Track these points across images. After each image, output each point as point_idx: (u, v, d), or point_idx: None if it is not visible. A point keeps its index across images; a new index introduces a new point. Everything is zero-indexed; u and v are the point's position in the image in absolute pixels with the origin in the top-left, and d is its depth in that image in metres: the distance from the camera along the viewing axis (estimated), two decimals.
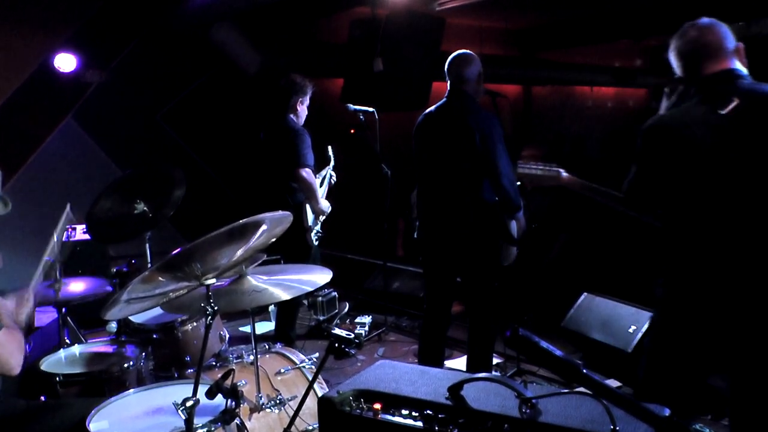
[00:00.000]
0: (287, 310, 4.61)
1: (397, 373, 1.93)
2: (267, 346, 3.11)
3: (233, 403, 2.05)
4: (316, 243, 4.57)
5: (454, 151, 3.65)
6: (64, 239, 5.13)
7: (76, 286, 3.19)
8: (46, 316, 3.86)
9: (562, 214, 5.73)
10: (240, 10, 6.08)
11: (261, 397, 2.66)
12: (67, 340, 3.15)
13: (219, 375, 2.05)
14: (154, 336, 3.24)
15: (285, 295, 2.35)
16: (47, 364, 2.90)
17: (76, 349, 3.07)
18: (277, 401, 2.69)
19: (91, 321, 4.18)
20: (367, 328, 5.37)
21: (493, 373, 4.08)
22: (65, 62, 5.84)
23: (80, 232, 5.32)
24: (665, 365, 2.32)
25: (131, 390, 2.41)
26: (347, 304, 5.87)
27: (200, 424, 2.02)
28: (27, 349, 2.17)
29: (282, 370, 2.91)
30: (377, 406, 1.76)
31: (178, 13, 6.03)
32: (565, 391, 1.71)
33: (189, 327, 3.28)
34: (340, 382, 2.20)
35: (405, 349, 5.13)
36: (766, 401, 2.18)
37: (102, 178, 5.43)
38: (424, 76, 6.30)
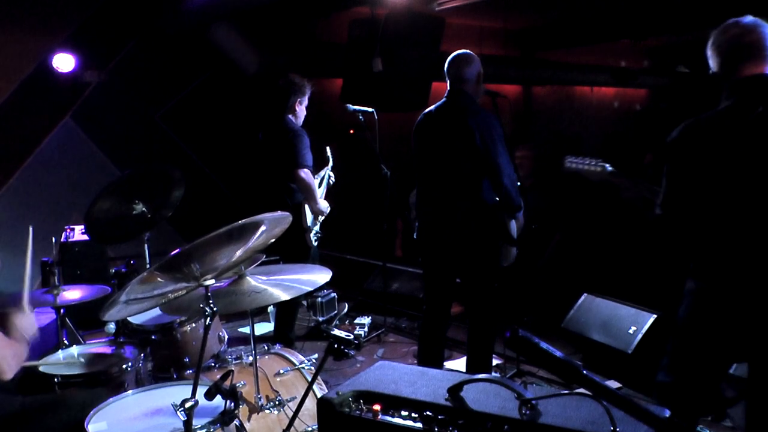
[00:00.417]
0: (286, 311, 4.61)
1: (397, 374, 1.93)
2: (266, 347, 3.10)
3: (232, 404, 2.04)
4: (315, 244, 4.56)
5: (454, 151, 3.64)
6: (62, 240, 5.13)
7: (74, 294, 3.17)
8: (44, 317, 3.86)
9: (558, 213, 5.73)
10: (239, 10, 6.07)
11: (260, 398, 2.65)
12: (66, 341, 3.14)
13: (218, 376, 2.05)
14: (153, 337, 3.24)
15: (284, 296, 2.35)
16: (46, 365, 2.89)
17: (75, 350, 3.06)
18: (276, 402, 2.68)
19: (90, 322, 4.17)
20: (366, 329, 5.37)
21: (493, 374, 4.07)
22: (64, 62, 5.83)
23: (79, 233, 5.33)
24: (693, 357, 2.34)
25: (130, 391, 2.41)
26: (346, 305, 5.86)
27: (199, 425, 2.02)
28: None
29: (281, 371, 2.90)
30: (377, 407, 1.75)
31: (177, 13, 6.03)
32: (565, 392, 1.71)
33: (188, 328, 3.27)
34: (339, 383, 2.20)
35: (404, 350, 5.13)
36: None
37: (100, 178, 5.43)
38: (423, 76, 6.29)
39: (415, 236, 3.94)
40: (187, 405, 1.91)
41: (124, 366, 2.87)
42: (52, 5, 5.93)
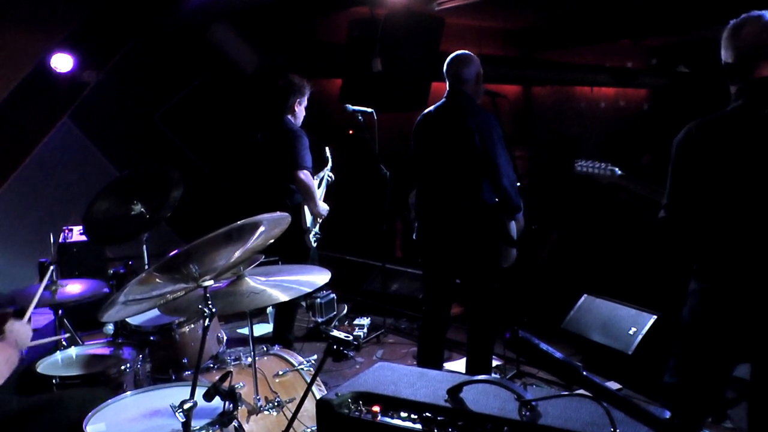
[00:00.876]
0: (285, 312, 4.60)
1: (396, 375, 1.92)
2: (265, 348, 3.09)
3: (231, 405, 2.04)
4: (314, 244, 4.56)
5: (454, 152, 3.64)
6: (61, 240, 5.12)
7: (73, 288, 3.17)
8: (42, 318, 3.85)
9: (555, 213, 5.74)
10: (238, 10, 6.07)
11: (259, 400, 2.64)
12: (64, 342, 3.13)
13: (217, 377, 2.04)
14: (152, 338, 3.23)
15: (283, 297, 2.34)
16: (44, 366, 2.89)
17: (73, 351, 3.05)
18: (275, 403, 2.67)
19: (88, 323, 4.16)
20: (365, 330, 5.36)
21: (493, 375, 4.07)
22: (62, 62, 5.82)
23: (77, 234, 5.32)
24: (698, 357, 2.33)
25: (128, 392, 2.41)
26: (346, 306, 5.85)
27: (198, 427, 2.02)
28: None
29: (280, 372, 2.89)
30: (376, 408, 1.75)
31: (176, 13, 6.02)
32: (565, 393, 1.70)
33: (186, 329, 3.27)
34: (338, 384, 2.19)
35: (404, 351, 5.12)
36: None
37: (99, 178, 5.42)
38: (423, 76, 6.29)
39: (414, 237, 3.94)
40: (186, 406, 1.90)
41: (122, 367, 2.86)
42: (51, 5, 5.92)
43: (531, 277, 5.37)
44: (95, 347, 3.13)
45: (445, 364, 4.34)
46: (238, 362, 2.93)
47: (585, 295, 4.64)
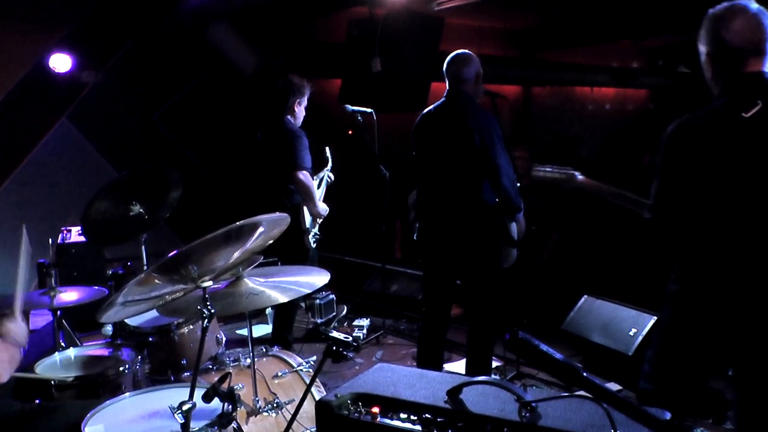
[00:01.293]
0: (285, 313, 4.59)
1: (396, 376, 1.92)
2: (264, 349, 3.09)
3: (230, 406, 2.03)
4: (313, 245, 4.55)
5: (454, 152, 3.63)
6: (59, 241, 5.11)
7: (71, 296, 3.15)
8: (41, 319, 3.85)
9: (555, 214, 5.73)
10: (237, 10, 6.06)
11: (258, 401, 2.63)
12: (62, 343, 3.13)
13: (216, 378, 2.03)
14: (150, 339, 3.22)
15: (282, 298, 2.33)
16: (42, 367, 2.88)
17: (72, 352, 3.04)
18: (275, 405, 2.67)
19: (87, 324, 4.15)
20: (365, 331, 5.35)
21: (493, 376, 4.06)
22: (60, 62, 5.81)
23: (75, 234, 5.32)
24: (676, 362, 2.28)
25: (127, 393, 2.40)
26: (345, 307, 5.85)
27: (197, 428, 2.01)
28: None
29: (279, 374, 2.89)
30: (375, 409, 1.74)
31: (175, 13, 6.01)
32: (565, 394, 1.70)
33: (185, 330, 3.26)
34: (338, 385, 2.18)
35: (403, 352, 5.11)
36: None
37: (97, 179, 5.41)
38: (422, 76, 6.29)
39: (415, 238, 3.93)
40: (185, 407, 1.90)
41: (121, 368, 2.85)
42: (49, 5, 5.91)
43: (531, 278, 5.36)
44: (94, 348, 3.12)
45: (444, 365, 4.34)
46: (237, 363, 2.93)
47: (585, 296, 4.64)
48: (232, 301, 2.29)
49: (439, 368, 4.04)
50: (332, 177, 4.84)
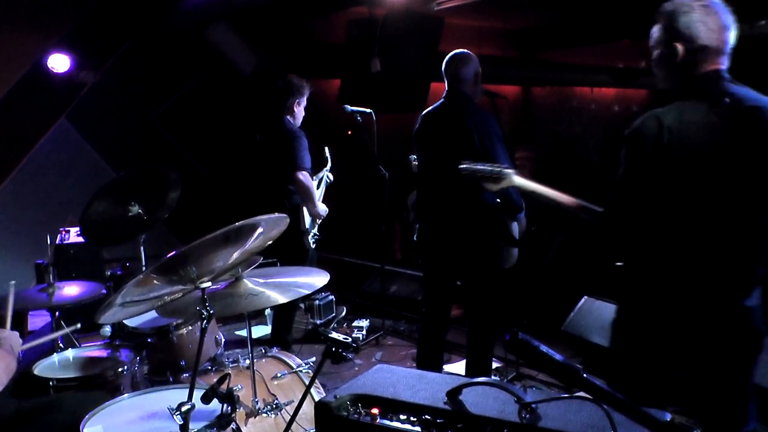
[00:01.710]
0: (284, 314, 4.59)
1: (395, 377, 1.91)
2: (263, 350, 3.09)
3: (229, 407, 2.03)
4: (312, 246, 4.54)
5: (453, 153, 3.61)
6: (58, 242, 5.11)
7: (70, 290, 3.15)
8: (39, 320, 3.84)
9: (558, 215, 5.71)
10: (236, 10, 6.05)
11: (257, 402, 2.63)
12: (61, 344, 3.12)
13: (215, 379, 2.03)
14: (149, 340, 3.21)
15: (282, 299, 2.33)
16: (41, 368, 2.88)
17: (70, 353, 3.04)
18: (274, 406, 2.66)
19: (85, 325, 4.15)
20: (364, 332, 5.35)
21: (493, 377, 4.06)
22: (59, 63, 5.80)
23: (74, 235, 5.31)
24: (636, 368, 2.25)
25: (126, 394, 2.41)
26: (344, 308, 5.85)
27: (196, 429, 2.00)
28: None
29: (278, 375, 2.88)
30: (375, 410, 1.74)
31: (173, 13, 6.01)
32: (565, 395, 1.70)
33: (184, 331, 3.25)
34: (337, 386, 2.17)
35: (403, 353, 5.11)
36: (725, 404, 2.15)
37: (96, 180, 5.41)
38: (422, 76, 6.29)
39: (415, 238, 3.93)
40: (184, 408, 1.89)
41: (119, 369, 2.85)
42: (48, 5, 5.90)
43: (534, 279, 5.35)
44: (92, 349, 3.12)
45: (444, 366, 4.33)
46: (236, 364, 2.92)
47: (585, 297, 4.63)
48: (231, 302, 2.29)
49: (439, 369, 4.03)
50: (331, 177, 4.84)
